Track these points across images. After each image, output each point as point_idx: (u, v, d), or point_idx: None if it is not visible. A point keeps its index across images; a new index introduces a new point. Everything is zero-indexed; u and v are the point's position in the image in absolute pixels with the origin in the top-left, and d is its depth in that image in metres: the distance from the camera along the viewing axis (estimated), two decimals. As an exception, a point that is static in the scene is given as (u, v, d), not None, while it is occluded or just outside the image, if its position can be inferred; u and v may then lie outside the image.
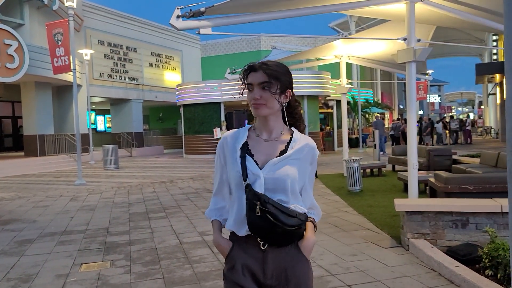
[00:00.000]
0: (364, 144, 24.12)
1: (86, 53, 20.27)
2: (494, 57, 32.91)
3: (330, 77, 20.70)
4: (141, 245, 5.47)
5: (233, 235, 1.79)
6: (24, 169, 16.44)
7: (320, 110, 22.98)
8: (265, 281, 1.69)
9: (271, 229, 1.62)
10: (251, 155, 1.72)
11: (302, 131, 1.82)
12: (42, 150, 18.86)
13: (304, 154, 1.74)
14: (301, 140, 1.76)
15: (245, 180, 1.66)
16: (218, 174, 1.83)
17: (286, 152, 1.72)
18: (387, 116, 37.18)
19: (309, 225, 1.75)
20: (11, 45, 15.55)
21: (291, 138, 1.76)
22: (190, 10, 4.53)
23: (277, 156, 1.71)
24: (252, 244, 1.71)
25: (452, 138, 25.18)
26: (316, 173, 1.79)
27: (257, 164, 1.70)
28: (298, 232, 1.70)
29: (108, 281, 4.21)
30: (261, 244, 1.68)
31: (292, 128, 1.81)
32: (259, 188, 1.64)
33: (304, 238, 1.72)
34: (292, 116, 1.81)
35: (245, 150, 1.73)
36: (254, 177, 1.66)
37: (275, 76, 1.71)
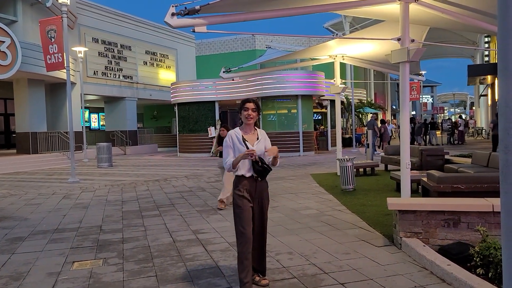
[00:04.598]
0: (357, 143, 24.22)
1: (80, 50, 20.14)
2: (486, 58, 33.19)
3: (324, 77, 20.75)
4: (134, 243, 5.46)
5: (241, 177, 3.70)
6: (16, 167, 16.31)
7: (314, 110, 23.03)
8: (254, 195, 3.72)
9: (264, 172, 3.69)
10: (247, 141, 3.70)
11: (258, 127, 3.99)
12: (34, 147, 18.72)
13: (264, 137, 3.81)
14: (261, 132, 3.84)
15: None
16: (231, 151, 3.71)
17: (258, 139, 3.78)
18: (380, 116, 37.34)
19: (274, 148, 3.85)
20: (3, 42, 15.42)
21: (258, 132, 3.82)
22: (185, 8, 4.50)
23: (256, 140, 3.78)
24: (252, 179, 3.70)
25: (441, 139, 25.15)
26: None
27: (250, 145, 3.70)
28: (269, 172, 3.75)
29: (101, 279, 4.19)
30: (257, 179, 3.71)
31: (255, 128, 3.85)
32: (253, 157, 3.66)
33: (270, 149, 3.78)
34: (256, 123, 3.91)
35: (244, 139, 3.70)
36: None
37: (258, 106, 3.77)
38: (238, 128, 3.80)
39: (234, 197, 3.74)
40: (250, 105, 3.68)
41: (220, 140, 7.53)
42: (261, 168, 3.66)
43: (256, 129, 3.81)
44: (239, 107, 3.74)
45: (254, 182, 3.69)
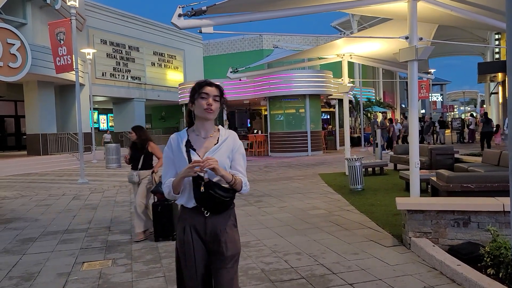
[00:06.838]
0: (366, 143, 24.08)
1: (89, 52, 20.29)
2: (497, 56, 32.73)
3: (332, 76, 20.67)
4: (142, 244, 5.48)
5: (183, 207, 2.34)
6: (27, 168, 16.48)
7: (322, 109, 22.94)
8: (205, 238, 2.29)
9: (212, 200, 2.21)
10: (194, 149, 2.29)
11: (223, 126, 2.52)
12: (44, 149, 18.90)
13: (229, 143, 2.33)
14: (226, 134, 2.37)
15: None
16: (171, 166, 2.34)
17: (217, 144, 2.31)
18: (389, 115, 37.12)
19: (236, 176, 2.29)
20: (13, 44, 15.59)
21: (220, 135, 2.35)
22: (192, 9, 4.52)
23: (212, 147, 2.30)
24: (197, 213, 2.27)
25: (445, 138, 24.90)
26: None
27: (199, 155, 2.27)
28: (230, 202, 2.29)
29: (110, 279, 4.22)
30: (205, 212, 2.26)
31: (219, 126, 2.42)
32: (202, 172, 2.18)
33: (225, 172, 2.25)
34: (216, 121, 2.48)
35: (189, 145, 2.30)
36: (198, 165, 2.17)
37: (223, 93, 2.35)
38: (186, 129, 2.42)
39: (176, 236, 2.43)
40: (212, 90, 2.28)
41: (132, 145, 5.94)
42: (203, 192, 2.18)
43: (218, 130, 2.39)
44: (191, 93, 2.32)
45: (202, 217, 2.27)
